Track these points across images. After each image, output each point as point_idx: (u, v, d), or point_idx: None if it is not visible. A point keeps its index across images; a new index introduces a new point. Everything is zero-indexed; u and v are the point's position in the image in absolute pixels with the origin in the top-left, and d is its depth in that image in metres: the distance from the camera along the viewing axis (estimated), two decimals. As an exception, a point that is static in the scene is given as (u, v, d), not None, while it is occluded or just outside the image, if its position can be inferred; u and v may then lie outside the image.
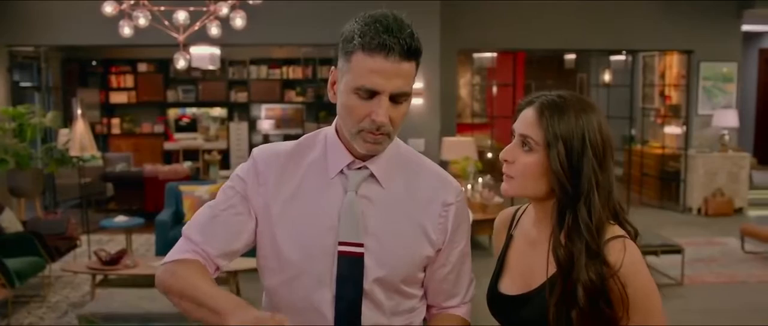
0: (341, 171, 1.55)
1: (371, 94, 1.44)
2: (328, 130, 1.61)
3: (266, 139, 12.80)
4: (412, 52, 1.44)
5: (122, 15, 5.76)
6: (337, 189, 1.55)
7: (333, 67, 1.54)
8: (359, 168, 1.55)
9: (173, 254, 1.56)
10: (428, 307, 1.70)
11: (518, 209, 1.70)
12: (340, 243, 1.52)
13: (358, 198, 1.54)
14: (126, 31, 5.77)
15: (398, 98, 1.46)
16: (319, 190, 1.56)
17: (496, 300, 1.61)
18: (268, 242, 1.57)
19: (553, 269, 1.49)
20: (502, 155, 1.54)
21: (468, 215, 1.68)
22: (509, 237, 1.66)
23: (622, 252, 1.44)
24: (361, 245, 1.52)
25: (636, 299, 1.44)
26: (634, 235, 1.52)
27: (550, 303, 1.46)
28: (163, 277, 1.52)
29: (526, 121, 1.51)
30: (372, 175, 1.56)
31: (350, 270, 1.52)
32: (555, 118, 1.47)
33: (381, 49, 1.41)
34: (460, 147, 8.02)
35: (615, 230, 1.49)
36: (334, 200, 1.54)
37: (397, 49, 1.41)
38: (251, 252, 1.65)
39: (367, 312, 1.54)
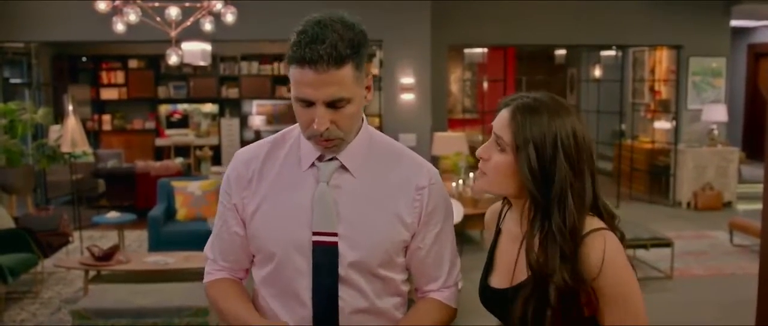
0: (313, 164, 1.61)
1: (308, 103, 1.48)
2: None
3: (258, 135, 12.79)
4: (338, 60, 1.44)
5: (114, 11, 5.76)
6: (310, 181, 1.60)
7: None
8: (329, 160, 1.60)
9: (207, 275, 1.78)
10: (416, 291, 1.76)
11: None
12: (315, 233, 1.57)
13: (330, 188, 1.59)
14: (119, 27, 5.77)
15: (336, 104, 1.48)
16: (293, 183, 1.61)
17: (486, 293, 1.64)
18: (254, 237, 1.65)
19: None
20: (478, 152, 1.57)
21: (447, 199, 1.71)
22: (498, 231, 1.68)
23: (602, 247, 1.42)
24: (334, 234, 1.57)
25: (615, 293, 1.42)
26: (621, 238, 1.49)
27: (520, 300, 1.48)
28: (209, 296, 1.76)
29: (500, 121, 1.52)
30: (343, 166, 1.60)
31: (325, 258, 1.58)
32: (527, 121, 1.46)
33: (305, 61, 1.44)
34: (451, 142, 8.04)
35: (594, 222, 1.48)
36: (308, 191, 1.60)
37: (322, 60, 1.43)
38: None
39: (347, 297, 1.60)
